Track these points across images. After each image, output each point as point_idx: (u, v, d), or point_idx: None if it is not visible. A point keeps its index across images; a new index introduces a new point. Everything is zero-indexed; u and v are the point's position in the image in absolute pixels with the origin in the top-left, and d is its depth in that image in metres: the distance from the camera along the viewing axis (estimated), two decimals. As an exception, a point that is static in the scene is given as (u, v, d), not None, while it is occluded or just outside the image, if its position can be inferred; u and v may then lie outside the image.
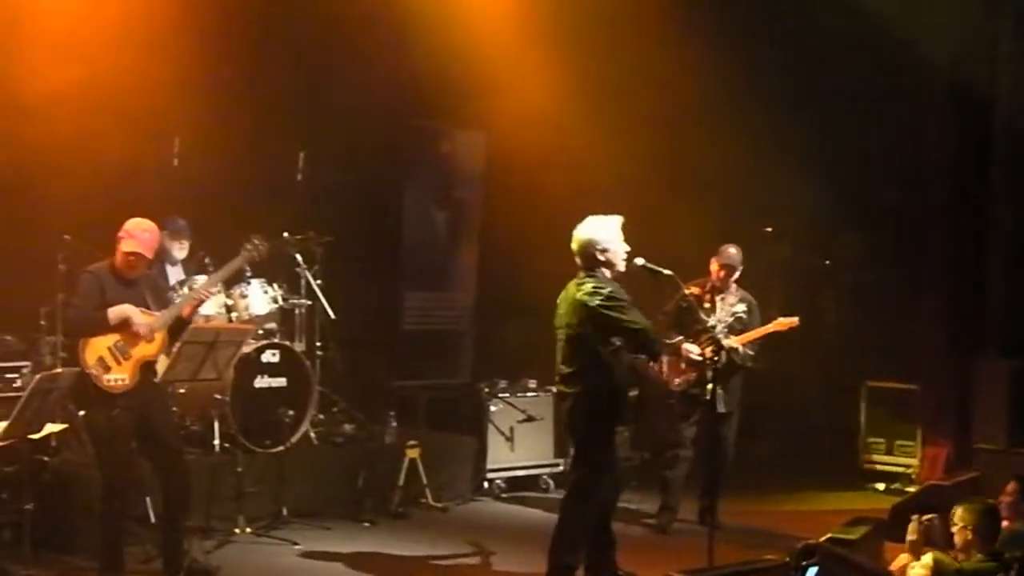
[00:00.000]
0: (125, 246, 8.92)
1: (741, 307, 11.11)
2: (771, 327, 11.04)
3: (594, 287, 8.94)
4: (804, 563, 7.28)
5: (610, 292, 8.91)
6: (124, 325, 8.80)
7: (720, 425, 11.04)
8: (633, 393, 9.11)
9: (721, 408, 10.75)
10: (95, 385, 8.71)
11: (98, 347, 8.75)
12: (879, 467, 13.93)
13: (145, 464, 9.32)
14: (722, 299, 11.29)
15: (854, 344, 15.09)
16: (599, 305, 8.87)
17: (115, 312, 8.78)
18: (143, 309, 8.92)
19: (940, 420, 13.49)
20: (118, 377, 8.75)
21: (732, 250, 11.41)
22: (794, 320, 11.02)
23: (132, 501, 9.52)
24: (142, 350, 8.86)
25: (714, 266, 11.37)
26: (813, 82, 14.15)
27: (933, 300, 13.84)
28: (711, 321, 10.64)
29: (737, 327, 11.01)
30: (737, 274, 11.44)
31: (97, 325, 8.76)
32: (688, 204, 13.77)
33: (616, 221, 9.11)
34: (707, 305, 11.04)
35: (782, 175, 13.97)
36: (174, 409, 10.68)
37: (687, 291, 10.11)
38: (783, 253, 15.44)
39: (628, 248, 9.07)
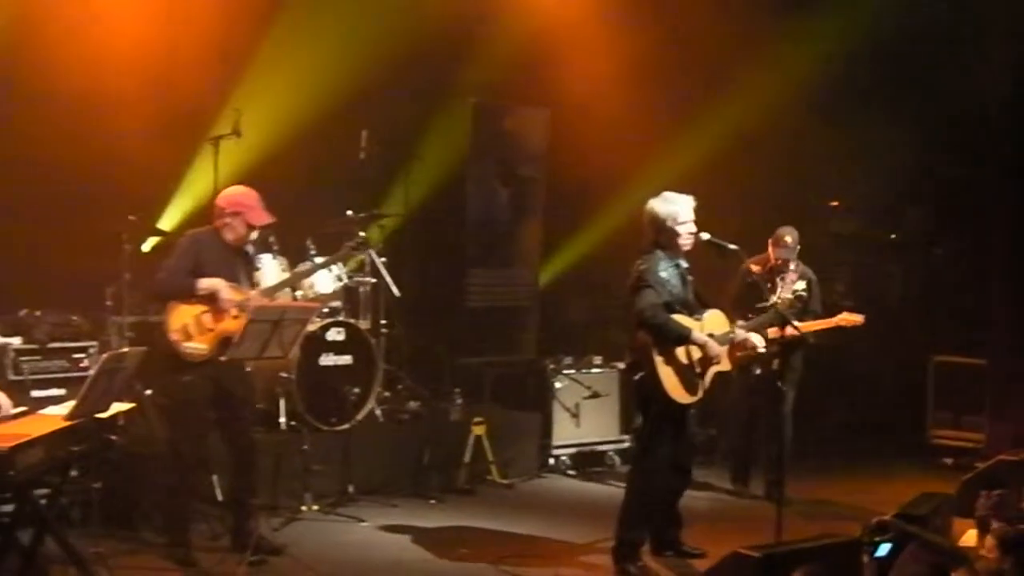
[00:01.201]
0: (255, 219, 9.13)
1: (801, 284, 10.99)
2: (835, 321, 10.95)
3: (645, 259, 9.04)
4: (877, 539, 7.23)
5: (643, 270, 8.99)
6: (212, 298, 8.90)
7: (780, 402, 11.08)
8: (637, 376, 9.08)
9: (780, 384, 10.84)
10: (173, 350, 8.85)
11: (184, 315, 8.89)
12: (947, 442, 13.81)
13: (213, 443, 9.38)
14: (782, 278, 11.21)
15: (922, 318, 14.96)
16: (636, 279, 8.98)
17: (205, 284, 8.91)
18: (233, 285, 9.04)
19: (1009, 395, 13.31)
20: (197, 347, 8.87)
21: (788, 239, 11.37)
22: (859, 318, 10.93)
23: (199, 478, 9.59)
24: (226, 325, 8.93)
25: (771, 251, 11.38)
26: (879, 56, 14.01)
27: (1002, 274, 13.66)
28: (772, 299, 10.51)
29: (798, 305, 10.90)
30: (793, 261, 11.32)
31: (183, 290, 8.90)
32: (755, 179, 13.69)
33: (688, 201, 9.10)
34: (768, 285, 10.96)
35: (849, 149, 13.86)
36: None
37: (751, 268, 10.15)
38: (850, 227, 15.32)
39: (694, 230, 9.05)
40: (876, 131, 13.87)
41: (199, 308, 8.92)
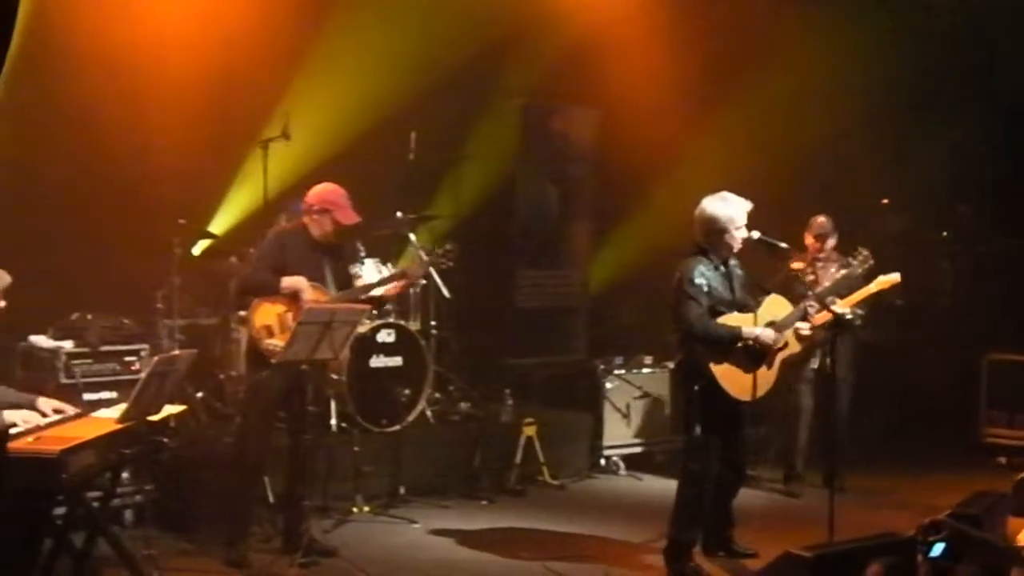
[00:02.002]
0: (343, 217, 9.20)
1: (843, 273, 11.05)
2: (873, 287, 10.77)
3: (683, 265, 9.00)
4: (931, 539, 7.17)
5: (679, 279, 8.95)
6: (295, 296, 9.01)
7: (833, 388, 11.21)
8: (696, 386, 9.04)
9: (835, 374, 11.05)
10: (253, 346, 9.05)
11: (267, 314, 9.05)
12: (1001, 440, 13.69)
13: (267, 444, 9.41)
14: (823, 268, 11.35)
15: (974, 316, 14.86)
16: (676, 288, 8.95)
17: (287, 282, 9.03)
18: (316, 284, 9.12)
19: (1064, 392, 13.25)
20: (277, 344, 8.92)
21: (821, 219, 11.72)
22: (895, 277, 10.78)
23: (259, 477, 9.63)
24: None
25: (808, 239, 11.62)
26: (930, 52, 13.93)
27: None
28: (818, 290, 10.53)
29: (844, 292, 10.86)
30: (832, 241, 11.68)
31: (265, 287, 9.05)
32: (804, 177, 13.64)
33: (744, 205, 9.06)
34: (811, 277, 11.00)
35: (898, 147, 13.79)
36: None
37: (791, 266, 10.19)
38: (900, 225, 15.24)
39: (745, 234, 9.02)
40: (926, 128, 13.80)
41: (282, 307, 9.06)
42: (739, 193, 9.12)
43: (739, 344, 8.96)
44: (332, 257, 9.41)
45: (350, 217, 9.23)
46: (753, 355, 9.03)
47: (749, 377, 9.03)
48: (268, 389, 9.05)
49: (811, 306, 9.32)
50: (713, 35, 13.50)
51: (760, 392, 9.12)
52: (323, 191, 9.25)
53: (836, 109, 13.77)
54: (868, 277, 10.70)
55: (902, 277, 10.59)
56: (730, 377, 8.95)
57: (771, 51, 13.57)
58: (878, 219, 15.07)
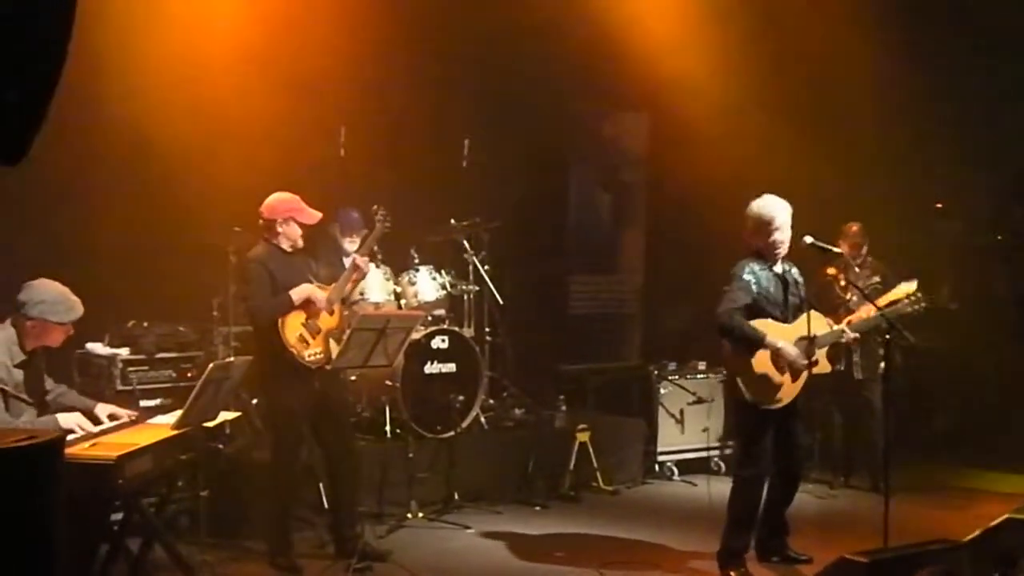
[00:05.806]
0: (307, 219, 9.17)
1: (875, 279, 11.42)
2: (891, 295, 10.57)
3: (737, 263, 9.02)
4: (990, 543, 7.14)
5: (740, 273, 8.94)
6: (307, 303, 9.01)
7: (863, 391, 11.71)
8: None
9: (858, 375, 11.68)
10: (294, 362, 8.92)
11: (295, 325, 8.98)
12: (1063, 445, 13.60)
13: (316, 450, 9.47)
14: (856, 275, 11.52)
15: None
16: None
17: (299, 293, 8.99)
18: (318, 284, 9.17)
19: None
20: (316, 351, 8.99)
21: (855, 226, 11.89)
22: (911, 286, 10.58)
23: (301, 485, 9.67)
24: (326, 323, 9.12)
25: (844, 247, 11.51)
26: (980, 55, 13.86)
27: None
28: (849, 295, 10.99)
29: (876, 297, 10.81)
30: (865, 248, 11.86)
31: (283, 307, 8.96)
32: (857, 182, 13.58)
33: (782, 205, 9.03)
34: (843, 284, 11.04)
35: (952, 151, 13.71)
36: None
37: (826, 271, 10.21)
38: (954, 230, 15.15)
39: (788, 235, 8.99)
40: (981, 131, 13.71)
41: (301, 316, 9.02)
42: (793, 197, 9.10)
43: (767, 351, 8.95)
44: (303, 259, 9.42)
45: (312, 216, 9.22)
46: (780, 364, 9.01)
47: (771, 384, 8.99)
48: (301, 405, 9.07)
49: (845, 330, 9.31)
50: (766, 38, 13.44)
51: (780, 403, 9.06)
52: (278, 203, 9.16)
53: (892, 113, 13.68)
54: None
55: (957, 281, 10.57)
56: (751, 379, 8.93)
57: (825, 53, 13.50)
58: (932, 223, 14.99)
